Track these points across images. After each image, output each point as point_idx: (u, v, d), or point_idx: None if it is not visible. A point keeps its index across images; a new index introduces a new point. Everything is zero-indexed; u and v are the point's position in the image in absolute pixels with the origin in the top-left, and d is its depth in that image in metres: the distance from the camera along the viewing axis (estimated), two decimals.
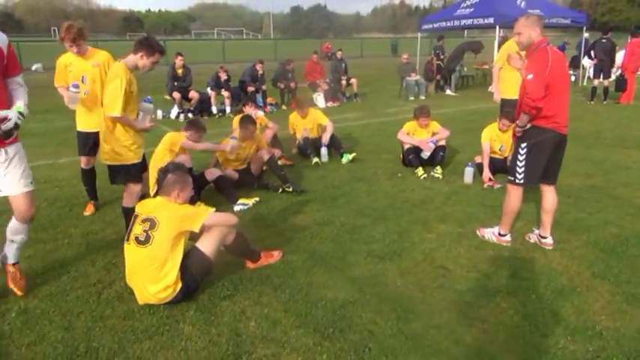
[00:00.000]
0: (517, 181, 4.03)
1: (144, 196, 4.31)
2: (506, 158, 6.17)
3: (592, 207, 5.16)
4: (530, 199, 4.85)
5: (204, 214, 3.43)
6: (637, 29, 13.46)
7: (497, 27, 14.63)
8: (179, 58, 11.59)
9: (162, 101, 11.99)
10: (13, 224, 3.34)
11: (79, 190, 5.47)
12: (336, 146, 7.27)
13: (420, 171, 6.34)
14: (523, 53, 4.23)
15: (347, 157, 7.09)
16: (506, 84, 6.64)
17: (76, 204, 5.39)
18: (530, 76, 3.68)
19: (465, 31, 29.59)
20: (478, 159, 6.27)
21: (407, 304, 3.36)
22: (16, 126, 3.07)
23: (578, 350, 2.87)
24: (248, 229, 4.38)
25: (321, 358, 2.82)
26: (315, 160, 6.97)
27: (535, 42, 3.85)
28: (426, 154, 6.58)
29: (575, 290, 3.52)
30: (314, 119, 7.51)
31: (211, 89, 11.93)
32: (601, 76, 12.87)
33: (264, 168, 6.18)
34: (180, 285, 3.29)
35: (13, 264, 3.45)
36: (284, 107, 12.76)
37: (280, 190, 5.74)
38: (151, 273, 3.23)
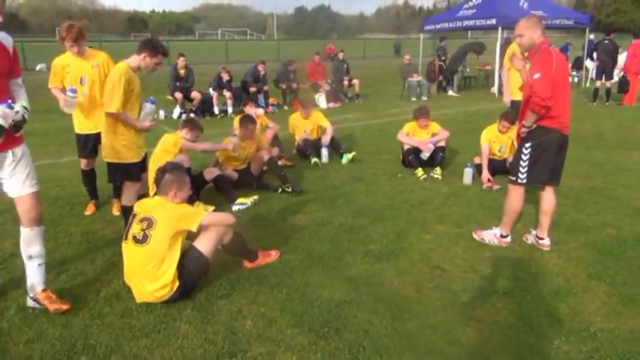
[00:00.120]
0: (519, 181, 4.02)
1: (143, 196, 4.34)
2: (505, 159, 6.18)
3: (591, 208, 5.17)
4: (528, 200, 4.84)
5: (202, 213, 3.47)
6: None
7: (500, 28, 14.64)
8: (181, 58, 11.65)
9: (165, 101, 12.06)
10: (23, 234, 3.20)
11: (80, 190, 5.50)
12: (335, 147, 7.30)
13: (419, 172, 6.36)
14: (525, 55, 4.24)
15: (347, 157, 7.11)
16: (515, 86, 6.64)
17: (76, 203, 5.43)
18: (537, 76, 3.67)
19: (469, 32, 29.65)
20: (477, 160, 6.28)
21: (403, 304, 3.38)
22: (24, 119, 3.08)
23: (572, 351, 2.88)
24: (246, 229, 4.41)
25: (316, 357, 2.84)
26: (315, 160, 7.00)
27: (537, 43, 3.84)
28: (425, 155, 6.59)
29: (571, 291, 3.53)
30: (315, 121, 7.54)
31: (213, 90, 11.97)
32: (603, 78, 12.85)
33: (264, 168, 6.21)
34: (177, 284, 3.32)
35: (43, 290, 3.25)
36: (286, 108, 12.80)
37: (280, 190, 5.77)
38: (148, 272, 3.26)
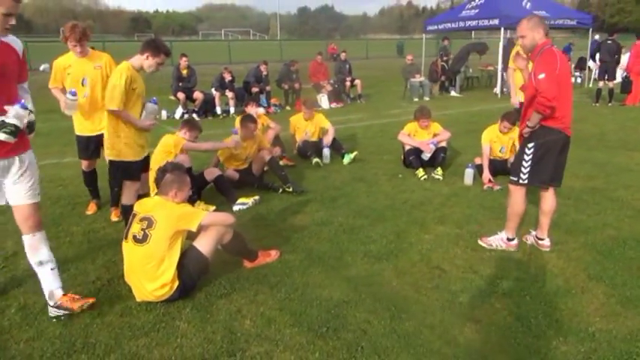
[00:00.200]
0: (520, 181, 4.00)
1: (144, 195, 4.36)
2: (506, 160, 6.18)
3: (591, 209, 5.16)
4: (528, 201, 4.81)
5: (202, 213, 3.49)
6: None
7: (502, 28, 14.63)
8: (183, 59, 11.70)
9: (167, 101, 12.09)
10: (26, 241, 3.14)
11: (82, 190, 5.52)
12: (336, 148, 7.32)
13: (420, 172, 6.36)
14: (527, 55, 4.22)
15: (349, 157, 7.12)
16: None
17: (78, 203, 5.46)
18: (542, 76, 3.65)
19: (472, 32, 29.60)
20: (478, 160, 6.28)
21: (401, 304, 3.39)
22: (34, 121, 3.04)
23: (570, 351, 2.89)
24: (247, 229, 4.43)
25: (314, 357, 2.85)
26: (316, 160, 7.01)
27: (539, 44, 3.82)
28: (426, 156, 6.60)
29: (569, 292, 3.53)
30: (316, 122, 7.57)
31: (215, 90, 12.01)
32: (605, 78, 12.81)
33: (265, 168, 6.23)
34: (177, 283, 3.34)
35: (64, 295, 3.20)
36: (288, 108, 12.82)
37: (281, 190, 5.79)
38: (148, 271, 3.28)
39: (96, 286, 3.64)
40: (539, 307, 3.34)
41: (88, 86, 4.77)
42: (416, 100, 14.01)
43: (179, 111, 11.51)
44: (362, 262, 4.03)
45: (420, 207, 5.31)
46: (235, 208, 5.23)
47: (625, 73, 13.33)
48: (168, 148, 5.20)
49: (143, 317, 3.23)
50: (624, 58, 13.71)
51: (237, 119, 6.53)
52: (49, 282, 3.17)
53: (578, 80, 17.33)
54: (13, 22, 2.79)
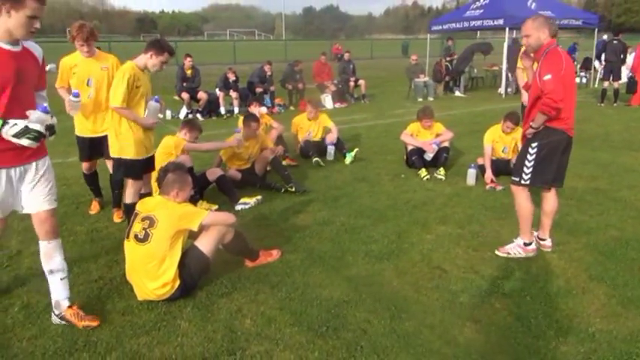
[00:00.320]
0: (522, 181, 3.96)
1: (146, 195, 4.38)
2: (509, 160, 6.16)
3: (594, 209, 5.15)
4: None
5: (203, 213, 3.50)
6: None
7: (507, 28, 14.58)
8: (188, 59, 11.74)
9: (171, 102, 12.12)
10: (42, 248, 3.09)
11: (86, 189, 5.54)
12: (339, 147, 7.34)
13: (422, 172, 6.36)
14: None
15: (350, 156, 7.14)
16: None
17: (82, 202, 5.49)
18: (548, 77, 3.63)
19: (478, 32, 29.53)
20: (480, 161, 6.27)
21: (401, 304, 3.39)
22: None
23: (569, 352, 2.88)
24: (248, 228, 4.45)
25: (313, 356, 2.86)
26: (315, 159, 7.01)
27: (544, 44, 3.79)
28: (429, 156, 6.60)
29: (570, 292, 3.53)
30: (320, 122, 7.59)
31: (220, 90, 12.04)
32: (611, 78, 12.74)
33: (268, 168, 6.25)
34: (178, 282, 3.36)
35: (69, 307, 3.16)
36: (292, 108, 12.84)
37: (283, 189, 5.80)
38: (149, 270, 3.30)
39: (98, 284, 3.67)
40: (540, 307, 3.34)
41: (93, 87, 4.76)
42: (420, 100, 13.99)
43: (183, 111, 11.55)
44: (363, 262, 4.04)
45: (422, 207, 5.31)
46: (237, 207, 5.25)
47: (630, 74, 13.26)
48: (168, 149, 5.22)
49: (144, 316, 3.26)
50: (630, 58, 13.64)
51: (240, 119, 6.56)
52: (57, 291, 3.16)
53: (584, 80, 17.25)
54: (37, 25, 2.73)
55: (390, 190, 5.94)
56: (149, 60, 4.16)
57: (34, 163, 2.97)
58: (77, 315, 3.14)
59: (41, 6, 2.70)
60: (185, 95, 11.57)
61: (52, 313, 3.19)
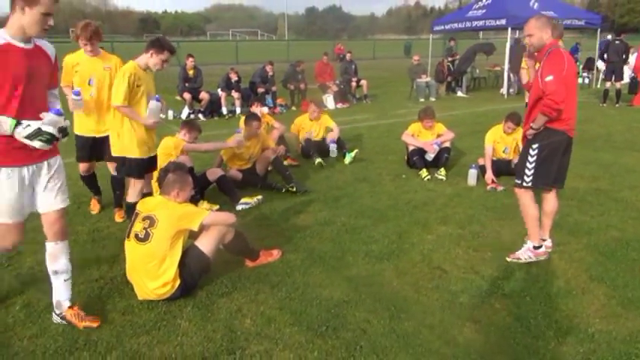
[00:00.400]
0: (524, 184, 3.93)
1: (148, 195, 4.40)
2: (510, 161, 6.16)
3: (595, 210, 5.14)
4: None
5: (203, 213, 3.52)
6: None
7: (510, 29, 14.56)
8: (190, 59, 11.76)
9: (174, 102, 12.16)
10: (48, 248, 3.09)
11: (87, 189, 5.57)
12: (340, 145, 7.37)
13: (423, 172, 6.36)
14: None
15: (350, 156, 7.15)
16: None
17: (84, 202, 5.50)
18: (550, 78, 3.62)
19: (480, 32, 29.48)
20: (481, 161, 6.26)
21: (401, 304, 3.40)
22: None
23: (568, 352, 2.89)
24: (249, 228, 4.46)
25: (313, 355, 2.87)
26: (318, 160, 7.02)
27: (547, 44, 3.78)
28: (430, 156, 6.60)
29: (570, 293, 3.53)
30: (322, 122, 7.60)
31: (221, 90, 12.05)
32: (613, 78, 12.71)
33: (269, 168, 6.26)
34: (178, 282, 3.37)
35: (70, 307, 3.16)
36: (294, 108, 12.85)
37: (284, 189, 5.81)
38: (149, 270, 3.32)
39: (99, 284, 3.68)
40: (539, 307, 3.34)
41: (95, 87, 4.75)
42: (422, 100, 13.98)
43: (185, 111, 11.57)
44: (363, 262, 4.04)
45: (423, 207, 5.31)
46: (238, 207, 5.26)
47: (633, 74, 13.23)
48: (168, 150, 5.21)
49: (145, 315, 3.27)
50: (632, 59, 13.60)
51: (242, 119, 6.57)
52: (60, 292, 3.16)
53: (586, 81, 17.21)
54: (51, 22, 2.73)
55: (391, 190, 5.94)
56: (150, 59, 4.20)
57: (45, 162, 2.96)
58: (78, 315, 3.14)
59: (54, 3, 2.70)
60: (187, 95, 11.59)
61: (53, 313, 3.20)
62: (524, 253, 4.05)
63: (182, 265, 3.39)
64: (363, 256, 4.15)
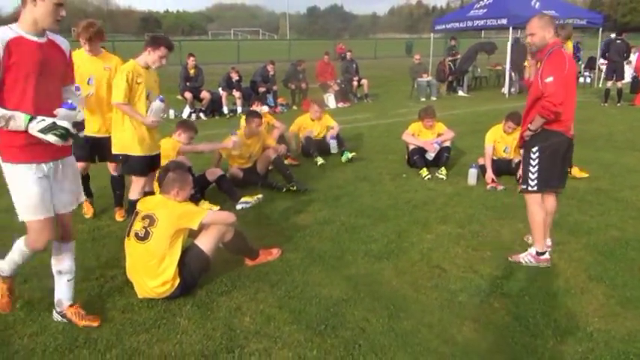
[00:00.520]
0: (529, 188, 3.88)
1: (149, 194, 4.41)
2: (511, 160, 6.16)
3: (595, 209, 5.14)
4: None
5: (203, 212, 3.53)
6: None
7: (511, 28, 14.55)
8: (191, 58, 11.79)
9: (175, 101, 12.17)
10: (54, 248, 3.08)
11: (87, 188, 5.58)
12: (339, 142, 7.39)
13: (424, 172, 6.37)
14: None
15: (346, 156, 7.15)
16: None
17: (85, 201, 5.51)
18: (550, 79, 3.60)
19: (482, 32, 29.43)
20: (481, 160, 6.26)
21: (400, 303, 3.41)
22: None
23: (567, 351, 2.89)
24: (249, 227, 4.47)
25: (312, 354, 2.88)
26: (321, 162, 7.02)
27: (549, 43, 3.75)
28: (430, 155, 6.60)
29: (569, 292, 3.53)
30: (323, 122, 7.61)
31: (222, 89, 12.07)
32: (614, 77, 12.68)
33: (270, 167, 6.27)
34: (178, 281, 3.38)
35: (70, 306, 3.17)
36: (295, 108, 12.86)
37: (284, 189, 5.82)
38: (149, 268, 3.33)
39: (99, 282, 3.70)
40: (538, 306, 3.34)
41: (94, 86, 4.74)
42: (423, 99, 13.98)
43: (186, 110, 11.59)
44: (362, 261, 4.05)
45: (423, 207, 5.32)
46: (238, 206, 5.27)
47: (634, 73, 13.20)
48: (166, 152, 5.15)
49: (144, 314, 3.28)
50: (634, 58, 13.57)
51: (242, 117, 6.58)
52: (62, 291, 3.17)
53: (588, 80, 17.18)
54: (63, 12, 2.71)
55: (391, 189, 5.95)
56: (148, 56, 4.24)
57: (59, 162, 2.94)
58: (78, 314, 3.16)
59: None
60: (188, 95, 11.61)
61: (54, 310, 3.21)
62: (526, 257, 4.01)
63: (182, 263, 3.40)
64: (363, 255, 4.16)
